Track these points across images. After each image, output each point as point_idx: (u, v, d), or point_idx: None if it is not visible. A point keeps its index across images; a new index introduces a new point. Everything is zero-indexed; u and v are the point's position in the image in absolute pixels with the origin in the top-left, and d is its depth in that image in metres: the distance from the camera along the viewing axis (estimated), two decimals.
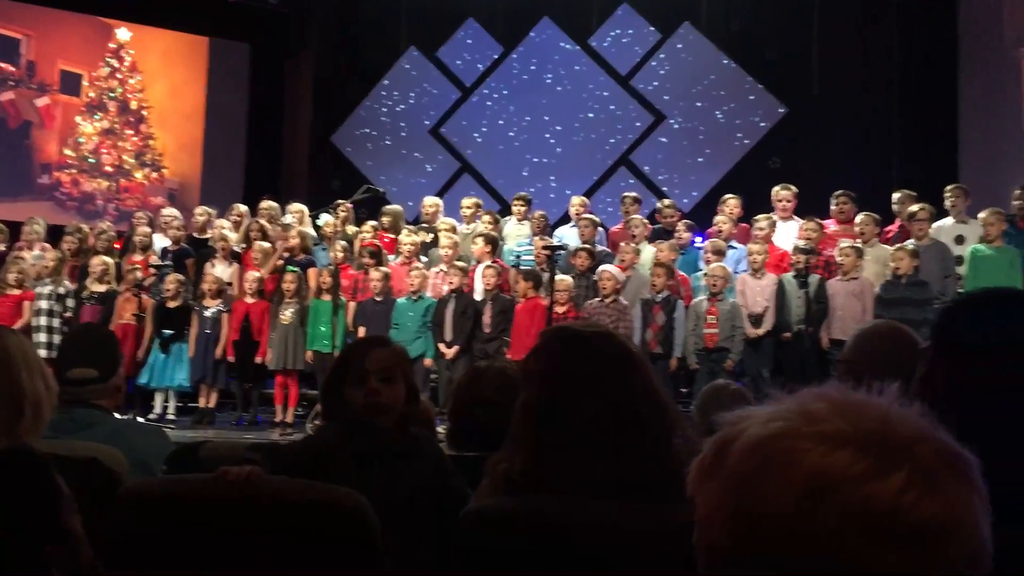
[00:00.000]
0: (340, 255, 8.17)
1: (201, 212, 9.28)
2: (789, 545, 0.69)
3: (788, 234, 8.11)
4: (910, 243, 7.32)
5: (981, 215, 7.38)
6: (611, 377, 1.58)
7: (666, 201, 9.10)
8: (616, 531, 1.48)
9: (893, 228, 7.98)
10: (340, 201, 8.09)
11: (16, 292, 8.05)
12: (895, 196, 8.09)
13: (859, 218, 7.75)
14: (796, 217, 8.25)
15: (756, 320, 7.42)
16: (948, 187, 7.97)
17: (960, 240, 7.50)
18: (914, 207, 7.54)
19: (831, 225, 8.08)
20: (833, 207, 8.17)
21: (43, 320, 7.93)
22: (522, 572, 1.49)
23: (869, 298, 7.18)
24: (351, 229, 8.90)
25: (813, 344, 7.23)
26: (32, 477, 1.67)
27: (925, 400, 1.52)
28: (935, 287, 7.09)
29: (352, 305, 8.01)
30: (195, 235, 9.04)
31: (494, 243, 8.22)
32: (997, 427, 0.80)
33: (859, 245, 7.45)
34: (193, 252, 8.68)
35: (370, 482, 1.89)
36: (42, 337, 7.70)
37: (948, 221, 7.72)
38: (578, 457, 1.55)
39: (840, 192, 8.19)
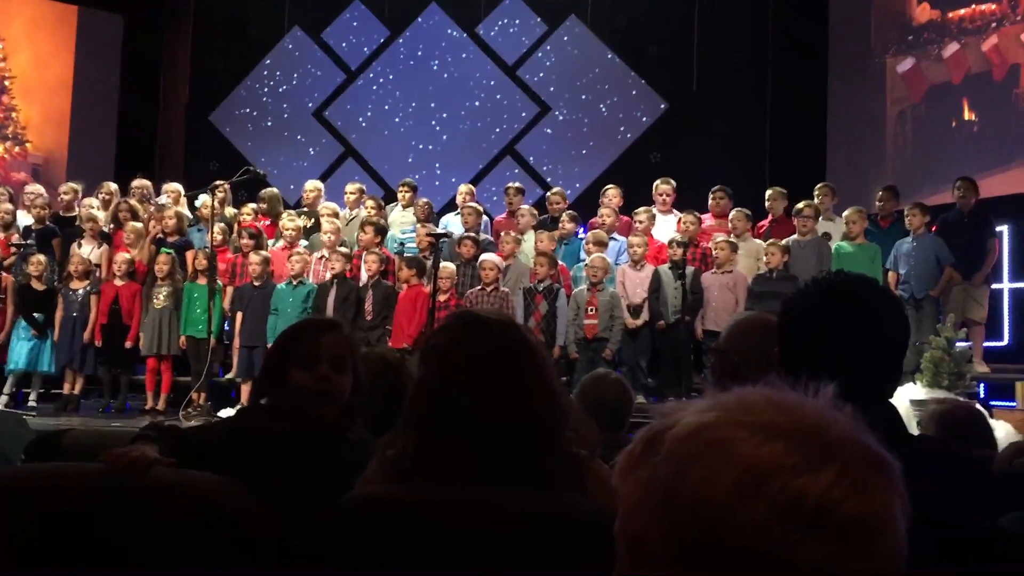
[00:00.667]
0: (218, 238, 7.93)
1: (67, 190, 8.83)
2: (717, 535, 0.69)
3: (667, 227, 8.33)
4: (792, 238, 7.63)
5: (845, 213, 7.76)
6: (508, 365, 1.58)
7: (555, 189, 9.20)
8: (502, 519, 1.49)
9: (765, 223, 8.30)
10: (219, 182, 7.84)
11: None
12: (767, 193, 8.41)
13: (732, 213, 8.03)
14: (675, 211, 8.48)
15: (635, 311, 7.59)
16: (817, 186, 8.34)
17: (827, 237, 7.87)
18: (800, 204, 7.85)
19: (708, 219, 8.34)
20: (710, 201, 8.43)
21: None
22: (406, 561, 1.48)
23: (742, 290, 7.45)
24: (230, 211, 8.65)
25: (688, 334, 7.46)
26: None
27: (783, 375, 1.61)
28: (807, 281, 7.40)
29: (229, 289, 7.79)
30: (60, 213, 8.61)
31: (383, 232, 8.14)
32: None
33: (733, 239, 7.72)
34: (58, 231, 8.27)
35: (288, 472, 1.83)
36: None
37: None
38: (469, 443, 1.55)
39: (717, 187, 8.46)
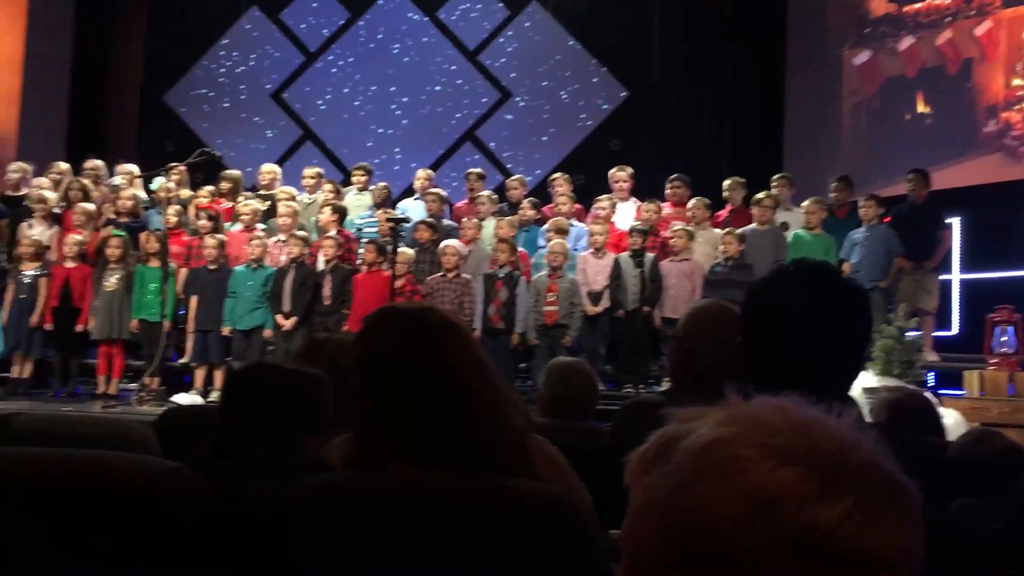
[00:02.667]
0: (172, 220, 7.81)
1: (16, 169, 8.62)
2: (719, 555, 0.67)
3: (625, 214, 8.37)
4: (749, 227, 7.70)
5: (805, 204, 7.86)
6: (433, 350, 1.59)
7: (515, 176, 9.20)
8: (443, 504, 1.49)
9: (723, 213, 8.37)
10: (174, 164, 7.72)
11: None
12: (726, 183, 8.48)
13: (691, 202, 8.09)
14: (634, 198, 8.52)
15: (595, 298, 7.62)
16: (775, 176, 8.43)
17: (784, 227, 7.96)
18: (760, 194, 7.92)
19: (666, 208, 8.39)
20: (668, 190, 8.49)
21: None
22: (351, 548, 1.48)
23: (699, 279, 7.52)
24: (185, 193, 8.52)
25: (646, 322, 7.51)
26: None
27: (745, 367, 1.63)
28: (761, 270, 7.50)
29: (183, 272, 7.68)
30: (8, 193, 8.41)
31: (342, 213, 8.07)
32: (799, 383, 0.82)
33: (690, 228, 7.78)
34: (7, 211, 8.08)
35: None
36: None
37: None
38: (407, 431, 1.55)
39: (675, 176, 8.51)
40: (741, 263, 7.42)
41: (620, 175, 8.59)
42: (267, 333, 7.48)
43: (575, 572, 1.44)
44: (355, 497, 1.53)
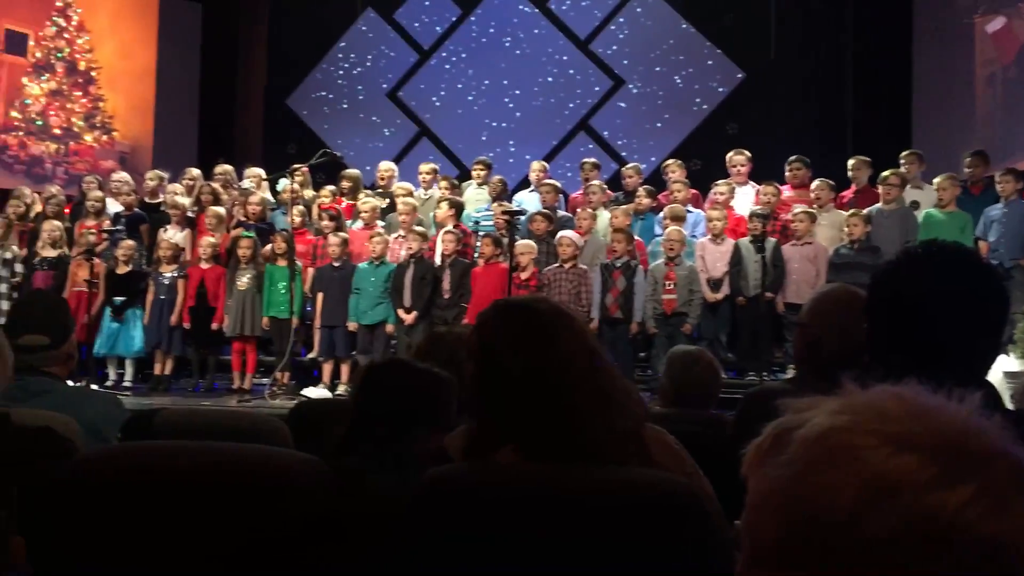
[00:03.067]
0: (297, 220, 8.08)
1: (152, 176, 9.10)
2: (838, 545, 0.66)
3: (744, 199, 8.19)
4: (875, 208, 7.42)
5: (936, 180, 7.50)
6: (543, 340, 1.60)
7: (630, 164, 9.12)
8: (556, 494, 1.50)
9: (848, 193, 8.08)
10: (297, 165, 7.98)
11: None
12: (850, 162, 8.18)
13: (815, 184, 7.85)
14: (752, 182, 8.33)
15: (715, 284, 7.49)
16: (903, 153, 8.08)
17: (915, 205, 7.62)
18: (886, 172, 7.62)
19: (786, 190, 8.16)
20: (788, 172, 8.25)
21: None
22: (464, 539, 1.50)
23: (823, 262, 7.29)
24: (308, 193, 8.80)
25: (769, 308, 7.33)
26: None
27: (870, 353, 1.57)
28: (893, 252, 7.20)
29: (310, 271, 7.94)
30: (147, 199, 8.88)
31: (459, 208, 8.18)
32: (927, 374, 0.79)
33: (812, 210, 7.54)
34: (147, 217, 8.53)
35: None
36: None
37: None
38: (520, 422, 1.57)
39: (794, 157, 8.27)
40: (868, 245, 7.15)
41: (738, 159, 8.41)
42: (389, 328, 7.65)
43: (697, 563, 1.42)
44: (466, 488, 1.56)
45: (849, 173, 8.14)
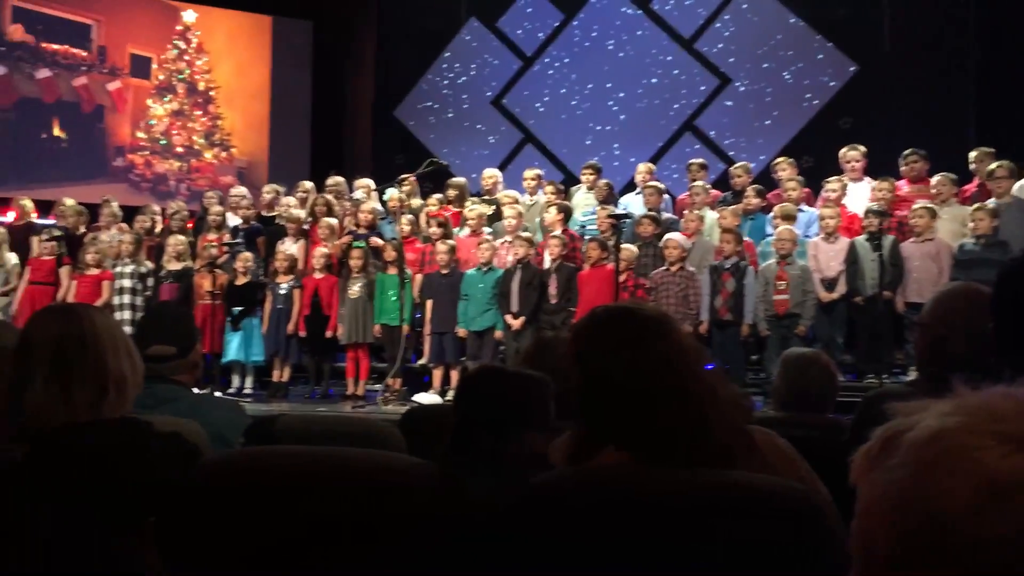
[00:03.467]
0: (406, 229, 8.24)
1: (269, 190, 9.44)
2: (954, 547, 0.65)
3: (859, 195, 7.93)
4: (991, 202, 7.08)
5: None
6: (639, 345, 1.60)
7: (739, 163, 8.96)
8: (662, 498, 1.48)
9: (971, 187, 7.73)
10: (405, 175, 8.15)
11: (95, 272, 8.32)
12: (972, 154, 7.83)
13: (936, 178, 7.54)
14: (868, 178, 8.06)
15: (829, 284, 7.28)
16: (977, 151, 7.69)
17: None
18: (992, 164, 7.28)
19: (903, 186, 7.86)
20: (904, 167, 7.95)
21: (126, 299, 8.18)
22: (566, 545, 1.50)
23: (946, 259, 6.99)
24: (416, 202, 8.96)
25: (888, 308, 7.07)
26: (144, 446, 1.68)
27: (998, 350, 1.50)
28: (1016, 247, 6.85)
29: (419, 278, 8.08)
30: (263, 213, 9.20)
31: (567, 213, 8.20)
32: None
33: (932, 206, 7.24)
34: (263, 230, 8.85)
35: None
36: (125, 315, 7.91)
37: None
38: (621, 426, 1.57)
39: (910, 151, 7.96)
40: (995, 240, 6.82)
41: (852, 154, 8.15)
42: (498, 334, 7.71)
43: (812, 570, 1.38)
44: (567, 492, 1.55)
45: (971, 166, 7.78)
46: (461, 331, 7.77)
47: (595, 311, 1.77)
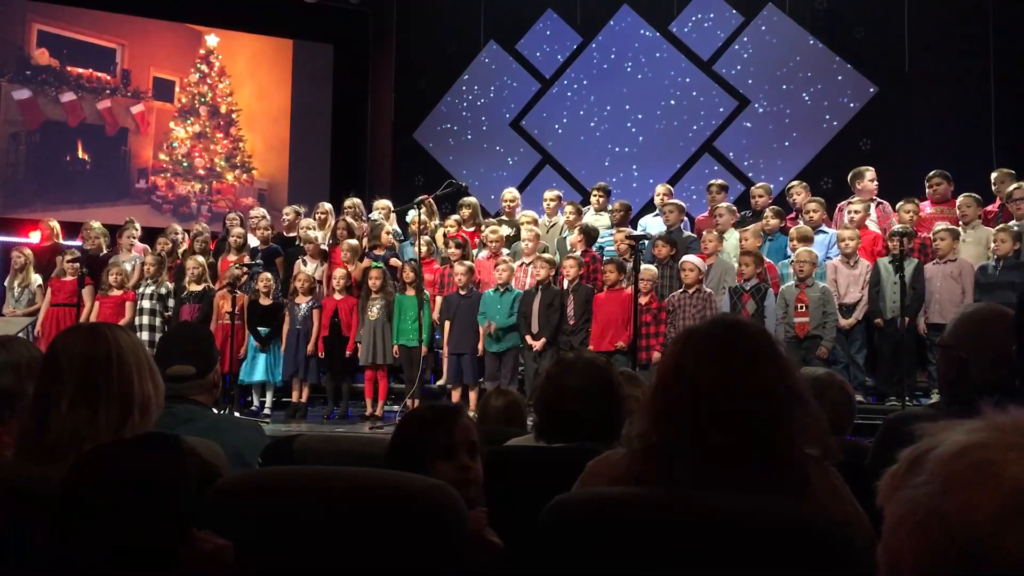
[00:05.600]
0: (424, 250, 8.26)
1: (288, 211, 9.50)
2: (978, 560, 0.65)
3: (870, 218, 7.92)
4: (1013, 224, 7.03)
5: None
6: (747, 371, 1.56)
7: (758, 184, 8.94)
8: (728, 523, 1.46)
9: (993, 208, 7.67)
10: (423, 196, 8.18)
11: (117, 293, 8.38)
12: (994, 175, 7.78)
13: (960, 199, 7.49)
14: (876, 199, 8.06)
15: (847, 310, 7.23)
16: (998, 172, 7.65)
17: None
18: (1012, 186, 7.23)
19: (926, 207, 7.82)
20: (928, 189, 7.91)
21: (146, 319, 8.25)
22: (623, 564, 1.48)
23: (968, 280, 6.92)
24: (435, 224, 8.99)
25: (910, 329, 7.01)
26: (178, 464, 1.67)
27: (1021, 371, 1.47)
28: None
29: (438, 299, 8.08)
30: (283, 234, 9.25)
31: (591, 235, 8.20)
32: None
33: (954, 227, 7.19)
34: (281, 251, 8.89)
35: None
36: (145, 336, 7.98)
37: None
38: (706, 450, 1.53)
39: (934, 172, 7.92)
40: (1016, 262, 6.76)
41: (868, 174, 8.14)
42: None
43: None
44: (628, 513, 1.54)
45: (993, 187, 7.73)
46: (482, 347, 7.75)
47: (701, 329, 1.69)
